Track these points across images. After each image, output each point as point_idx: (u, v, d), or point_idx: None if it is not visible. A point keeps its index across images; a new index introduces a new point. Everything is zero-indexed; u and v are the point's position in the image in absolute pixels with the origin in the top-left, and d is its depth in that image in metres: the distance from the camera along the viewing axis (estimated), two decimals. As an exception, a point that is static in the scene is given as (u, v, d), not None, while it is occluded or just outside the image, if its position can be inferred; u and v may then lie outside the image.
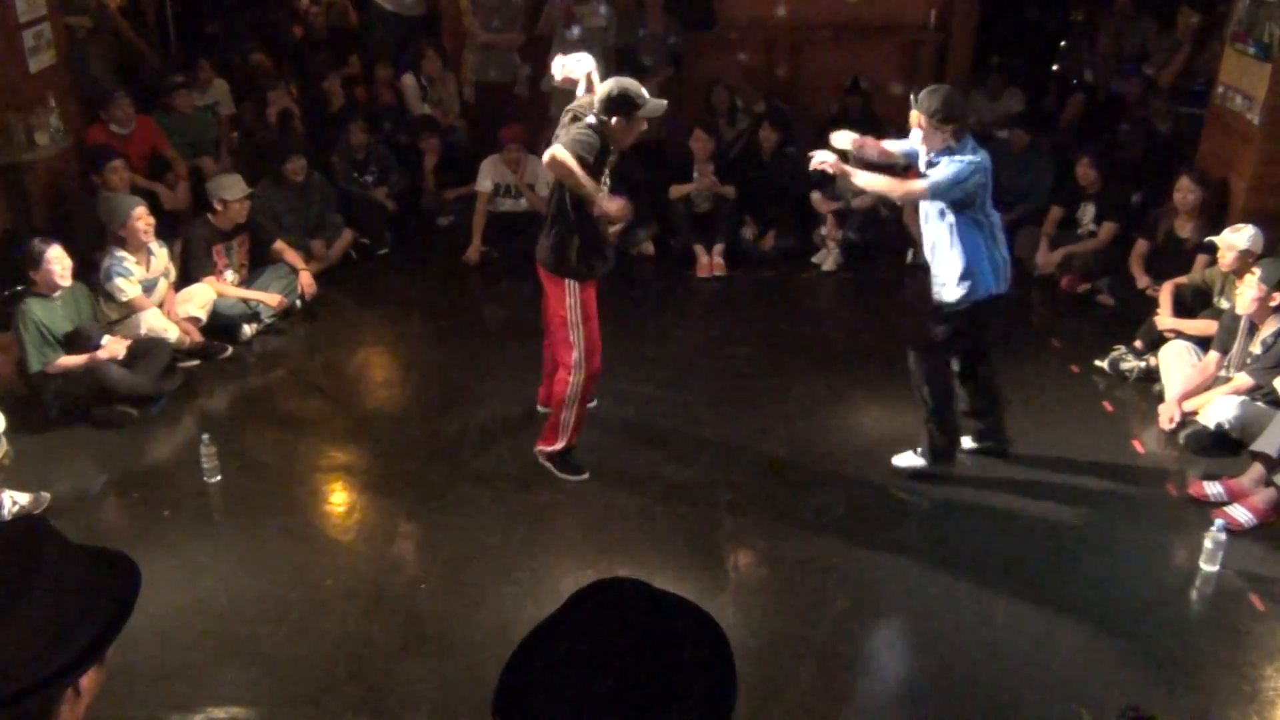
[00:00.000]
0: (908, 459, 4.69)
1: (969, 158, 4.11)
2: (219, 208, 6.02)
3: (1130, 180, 7.02)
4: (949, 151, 4.15)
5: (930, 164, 4.21)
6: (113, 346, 5.09)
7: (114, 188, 6.08)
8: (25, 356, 5.00)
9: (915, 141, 4.22)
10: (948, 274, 4.32)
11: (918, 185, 4.20)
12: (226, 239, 6.12)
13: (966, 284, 4.29)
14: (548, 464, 4.68)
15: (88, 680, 1.42)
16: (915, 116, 4.13)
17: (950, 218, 4.23)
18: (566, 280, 4.34)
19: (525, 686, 1.23)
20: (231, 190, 6.02)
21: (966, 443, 4.78)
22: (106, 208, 5.66)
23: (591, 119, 4.18)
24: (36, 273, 5.02)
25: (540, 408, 5.08)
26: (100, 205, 5.76)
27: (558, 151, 4.04)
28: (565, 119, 4.30)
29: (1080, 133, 7.75)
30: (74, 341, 5.09)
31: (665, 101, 4.38)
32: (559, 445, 4.61)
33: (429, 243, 7.50)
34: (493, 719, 1.23)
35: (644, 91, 4.22)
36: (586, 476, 4.65)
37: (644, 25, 7.99)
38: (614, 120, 4.15)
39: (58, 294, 5.09)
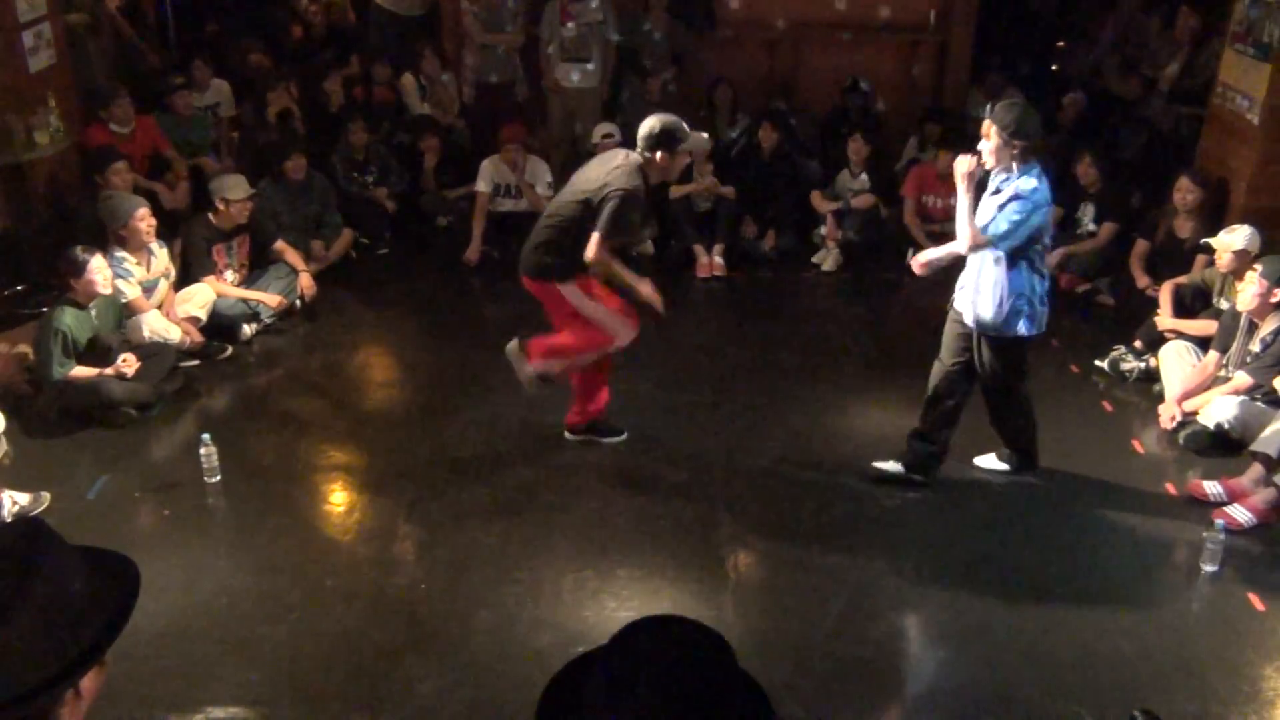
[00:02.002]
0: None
1: (1029, 197, 4.03)
2: (221, 207, 6.01)
3: (1130, 180, 7.02)
4: (1012, 173, 4.08)
5: (997, 189, 4.16)
6: (122, 366, 5.09)
7: (116, 189, 6.08)
8: (46, 363, 4.99)
9: (985, 152, 4.11)
10: (983, 300, 4.25)
11: (982, 236, 4.12)
12: (227, 239, 6.11)
13: (1002, 314, 4.22)
14: (534, 371, 4.61)
15: (88, 681, 1.42)
16: (987, 126, 4.08)
17: (1000, 254, 4.16)
18: (563, 284, 4.37)
19: (572, 702, 1.35)
20: (234, 190, 6.01)
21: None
22: (108, 207, 5.66)
23: (635, 157, 4.28)
24: (78, 281, 5.02)
25: (568, 434, 4.93)
26: (102, 205, 5.75)
27: (591, 252, 4.18)
28: (618, 165, 4.29)
29: (1080, 133, 7.75)
30: (91, 351, 5.10)
31: (706, 135, 4.44)
32: (548, 366, 4.56)
33: (429, 243, 7.50)
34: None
35: (685, 125, 4.30)
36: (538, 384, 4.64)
37: (647, 25, 7.99)
38: (658, 156, 4.25)
39: (93, 304, 5.11)
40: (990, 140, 4.08)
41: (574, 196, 4.33)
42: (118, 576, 1.48)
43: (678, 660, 1.31)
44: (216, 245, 6.07)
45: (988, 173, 4.19)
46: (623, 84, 8.07)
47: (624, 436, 4.94)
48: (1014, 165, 4.08)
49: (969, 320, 4.33)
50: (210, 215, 6.06)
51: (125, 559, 1.51)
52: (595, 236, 4.18)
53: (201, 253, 6.01)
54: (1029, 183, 4.05)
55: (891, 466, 4.59)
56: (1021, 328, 4.23)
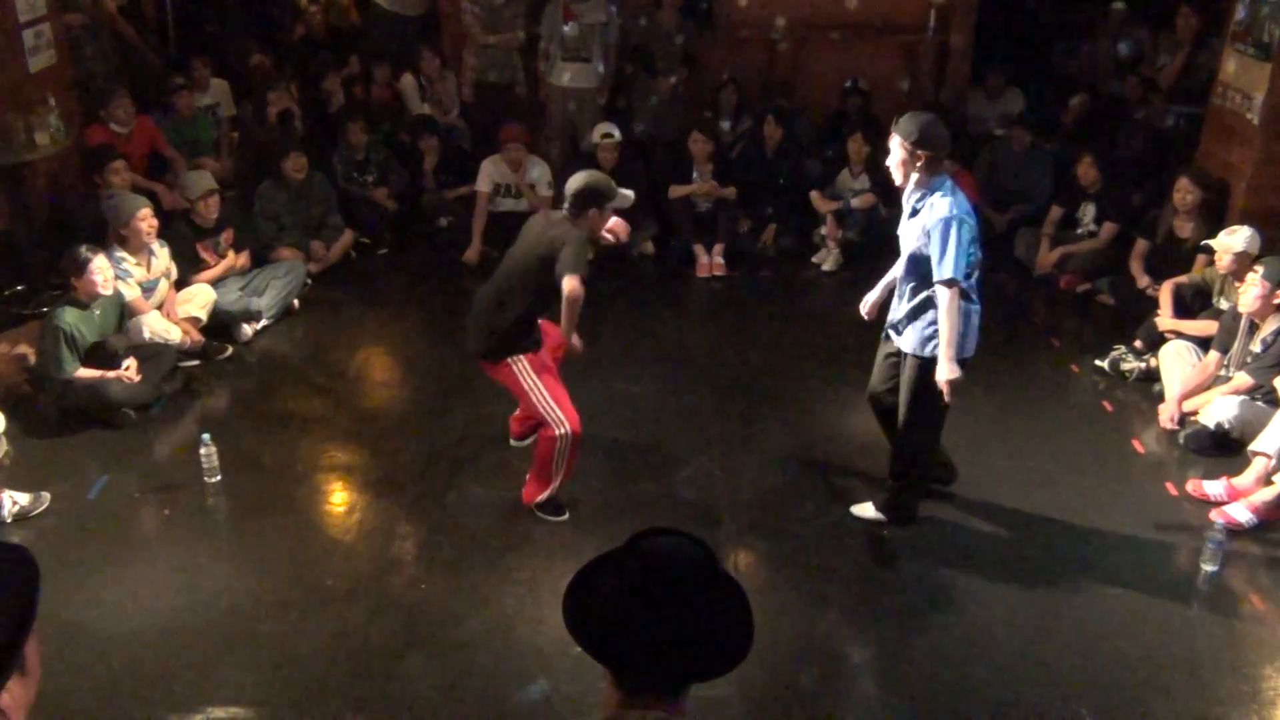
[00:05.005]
0: (867, 510, 4.44)
1: (950, 217, 3.78)
2: (188, 207, 6.06)
3: (1130, 180, 7.02)
4: (927, 190, 3.87)
5: (914, 210, 3.95)
6: (124, 373, 5.08)
7: (116, 188, 6.09)
8: (52, 362, 4.97)
9: (892, 166, 3.95)
10: (905, 321, 4.08)
11: (948, 294, 3.82)
12: (211, 235, 6.14)
13: (919, 335, 4.03)
14: (540, 512, 4.46)
15: (13, 696, 1.32)
16: (892, 138, 3.89)
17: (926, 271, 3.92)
18: (509, 360, 4.25)
19: (590, 596, 1.68)
20: (194, 188, 6.05)
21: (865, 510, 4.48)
22: (110, 207, 5.66)
23: (567, 237, 4.14)
24: (79, 280, 5.02)
25: (513, 440, 4.93)
26: (105, 204, 5.75)
27: (575, 286, 4.07)
28: (555, 222, 4.23)
29: (1081, 133, 7.75)
30: (96, 354, 5.10)
31: (632, 193, 4.33)
32: (544, 496, 4.42)
33: (429, 243, 7.50)
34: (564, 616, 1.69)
35: (611, 182, 4.26)
36: (566, 517, 4.44)
37: (643, 21, 7.99)
38: (590, 214, 4.19)
39: (96, 303, 5.11)
40: (895, 154, 3.88)
41: (528, 259, 4.20)
42: (15, 573, 1.37)
43: (669, 564, 1.66)
44: (201, 243, 6.10)
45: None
46: (630, 84, 8.08)
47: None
48: (920, 179, 3.85)
49: (900, 344, 4.14)
50: (191, 215, 6.09)
51: (20, 549, 1.41)
52: (569, 278, 4.05)
53: (188, 252, 6.03)
54: (943, 202, 3.82)
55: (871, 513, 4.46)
56: (933, 349, 3.97)
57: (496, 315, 4.25)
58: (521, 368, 4.25)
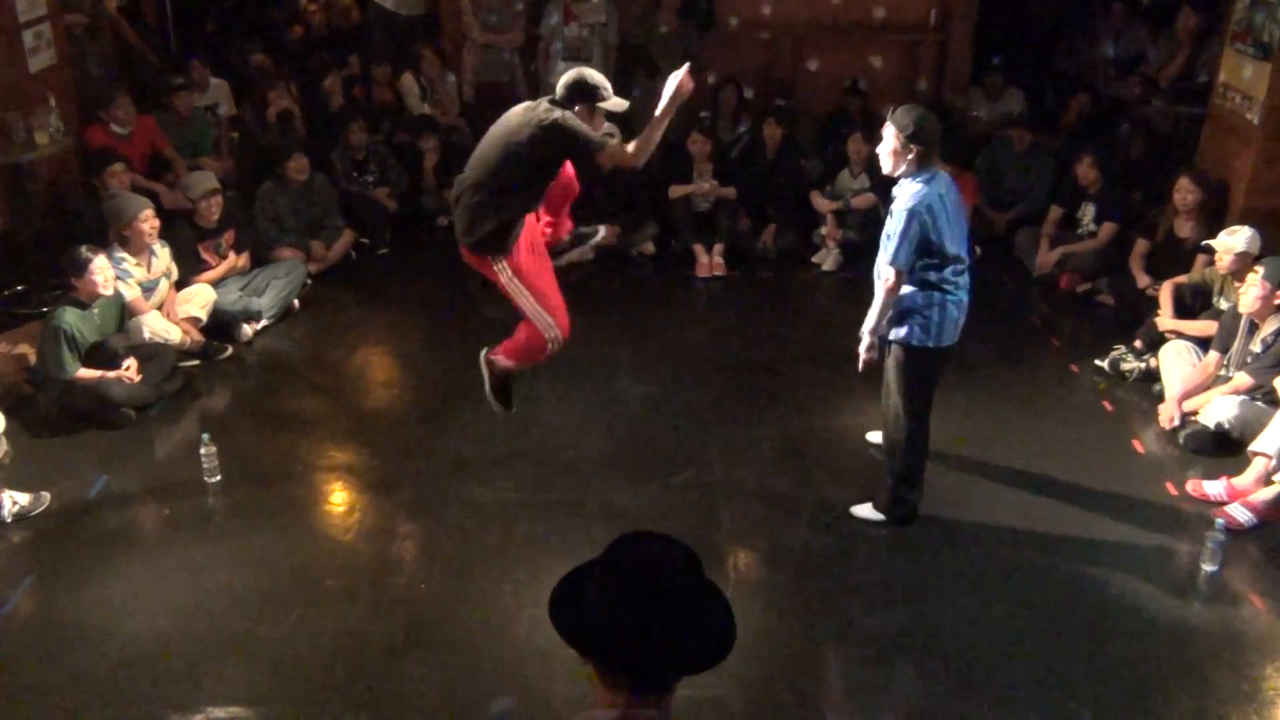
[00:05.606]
0: (866, 510, 4.44)
1: (904, 209, 3.88)
2: (191, 206, 6.09)
3: (1130, 180, 7.02)
4: (905, 176, 3.95)
5: (894, 198, 4.03)
6: (124, 373, 5.08)
7: (115, 190, 6.09)
8: (53, 363, 4.97)
9: (882, 155, 4.01)
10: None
11: (890, 282, 3.98)
12: (212, 236, 6.15)
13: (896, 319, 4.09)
14: (487, 373, 4.40)
15: None
16: (887, 127, 3.96)
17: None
18: (491, 261, 4.08)
19: (576, 597, 1.71)
20: (195, 188, 6.07)
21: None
22: (113, 207, 5.65)
23: (552, 112, 3.94)
24: (79, 281, 5.02)
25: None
26: (106, 204, 5.76)
27: (625, 149, 3.91)
28: (525, 109, 4.00)
29: (1081, 133, 7.76)
30: (96, 355, 5.11)
31: (626, 101, 4.13)
32: (511, 364, 4.32)
33: (429, 243, 7.50)
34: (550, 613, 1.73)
35: (607, 83, 4.04)
36: (512, 412, 4.50)
37: (664, 27, 7.99)
38: (576, 109, 3.96)
39: (96, 303, 5.11)
40: (887, 143, 3.94)
41: (496, 151, 3.95)
42: None
43: (658, 564, 1.70)
44: (203, 243, 6.12)
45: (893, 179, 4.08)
46: (630, 85, 8.08)
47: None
48: (908, 170, 3.92)
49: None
50: (194, 215, 6.10)
51: None
52: (606, 147, 3.86)
53: (190, 253, 6.04)
54: (907, 190, 3.90)
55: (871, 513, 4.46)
56: (905, 333, 4.05)
57: (471, 205, 4.00)
58: (507, 277, 4.09)
